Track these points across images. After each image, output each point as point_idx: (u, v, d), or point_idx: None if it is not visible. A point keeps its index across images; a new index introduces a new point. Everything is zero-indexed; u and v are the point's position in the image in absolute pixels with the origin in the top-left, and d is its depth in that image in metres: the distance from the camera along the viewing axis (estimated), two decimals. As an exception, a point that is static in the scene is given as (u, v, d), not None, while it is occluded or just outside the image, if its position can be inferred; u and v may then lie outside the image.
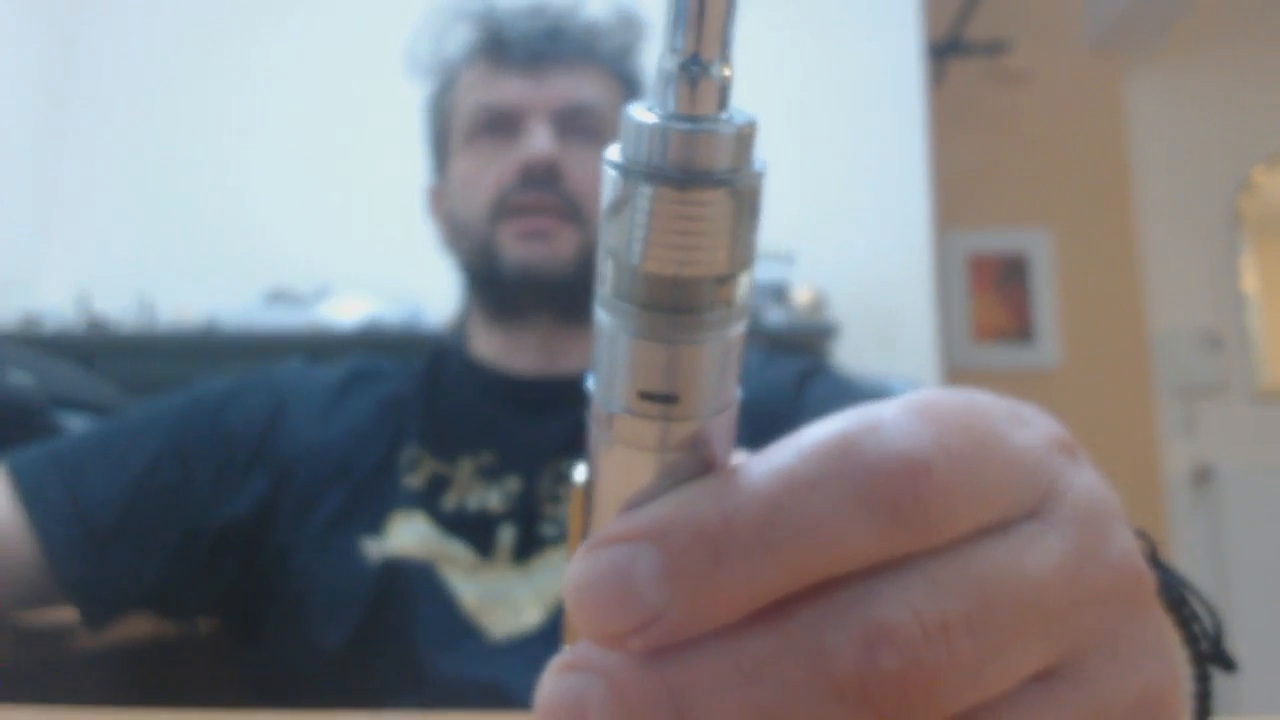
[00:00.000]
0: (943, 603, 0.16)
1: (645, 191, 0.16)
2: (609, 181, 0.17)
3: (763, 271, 2.24)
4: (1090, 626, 0.18)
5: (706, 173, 0.16)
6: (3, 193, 2.47)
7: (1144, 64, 3.46)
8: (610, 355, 0.17)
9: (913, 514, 0.17)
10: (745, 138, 0.16)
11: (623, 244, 0.16)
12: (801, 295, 2.31)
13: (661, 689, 0.16)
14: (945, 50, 3.32)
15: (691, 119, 0.16)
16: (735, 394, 0.18)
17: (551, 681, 0.17)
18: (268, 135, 2.63)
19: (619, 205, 0.16)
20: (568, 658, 0.17)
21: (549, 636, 0.64)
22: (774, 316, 2.21)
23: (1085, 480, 0.20)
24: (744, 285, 0.17)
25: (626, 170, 0.16)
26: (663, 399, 0.17)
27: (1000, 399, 0.20)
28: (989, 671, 0.17)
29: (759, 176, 0.16)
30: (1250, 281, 3.31)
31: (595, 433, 0.18)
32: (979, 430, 0.18)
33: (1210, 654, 0.23)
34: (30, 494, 0.64)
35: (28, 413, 0.84)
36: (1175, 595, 0.23)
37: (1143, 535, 0.23)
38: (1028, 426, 0.20)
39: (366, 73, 2.52)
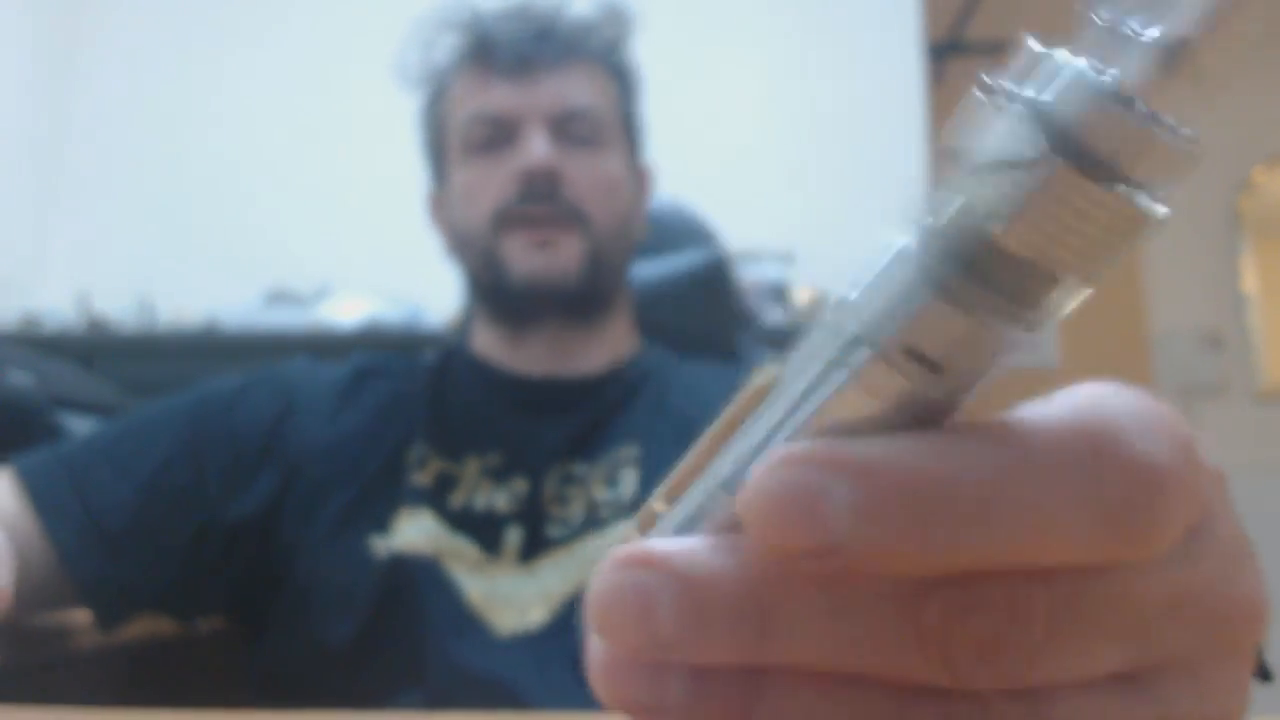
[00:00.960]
0: (1048, 590, 0.16)
1: (1060, 170, 0.14)
2: (1012, 127, 0.15)
3: (763, 271, 2.24)
4: (1178, 646, 0.18)
5: (1128, 178, 0.14)
6: (3, 193, 2.47)
7: (1144, 64, 3.46)
8: (895, 292, 0.16)
9: (1141, 526, 0.16)
10: (1189, 156, 0.14)
11: (992, 203, 0.15)
12: (801, 295, 2.31)
13: (749, 600, 0.16)
14: (945, 50, 3.32)
15: (1145, 112, 0.14)
16: (973, 392, 0.16)
17: (612, 574, 0.16)
18: (268, 135, 2.63)
19: (1014, 164, 0.14)
20: (630, 551, 0.16)
21: (554, 636, 0.64)
22: (774, 316, 2.21)
23: (1231, 520, 0.19)
24: (1065, 302, 0.16)
25: (1048, 133, 0.14)
26: (929, 364, 0.15)
27: (1172, 409, 0.19)
28: (1064, 660, 0.16)
29: (1160, 211, 0.15)
30: (1250, 281, 3.31)
31: (821, 348, 0.17)
32: (1191, 450, 0.17)
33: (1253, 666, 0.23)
34: (41, 498, 0.64)
35: (28, 413, 0.84)
36: None
37: None
38: (1203, 451, 0.19)
39: (366, 73, 2.52)
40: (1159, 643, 0.18)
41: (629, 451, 0.72)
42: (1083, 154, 0.14)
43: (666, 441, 0.71)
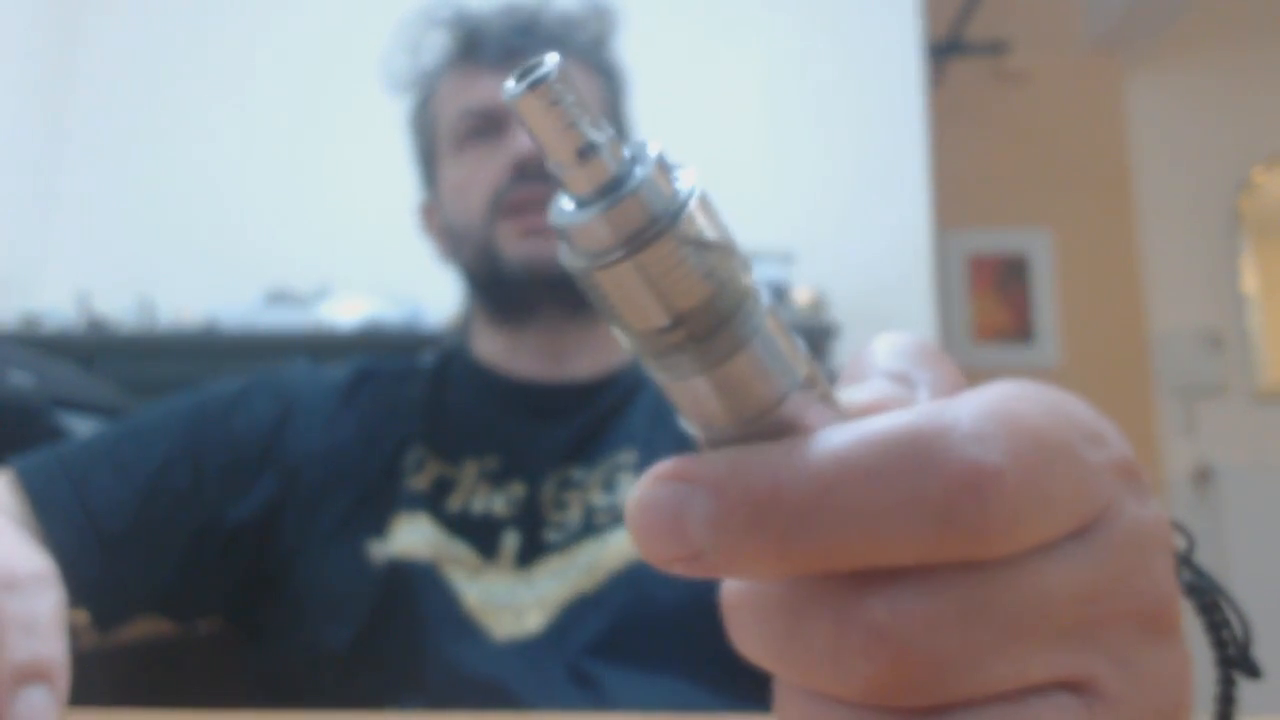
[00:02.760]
0: (936, 601, 0.17)
1: (585, 278, 0.17)
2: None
3: (763, 271, 2.24)
4: (1111, 647, 0.18)
5: (596, 254, 0.17)
6: (3, 193, 2.47)
7: (1144, 64, 3.46)
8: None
9: (973, 524, 0.16)
10: (629, 207, 0.17)
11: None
12: (801, 295, 2.31)
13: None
14: (945, 50, 3.32)
15: (572, 211, 0.17)
16: (785, 383, 0.18)
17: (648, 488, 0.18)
18: (268, 135, 2.63)
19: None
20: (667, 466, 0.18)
21: (550, 640, 0.64)
22: (774, 316, 2.21)
23: (1139, 511, 0.19)
24: (693, 315, 0.17)
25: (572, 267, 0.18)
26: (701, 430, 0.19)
27: (1086, 408, 0.20)
28: (987, 670, 0.17)
29: (655, 228, 0.17)
30: (1250, 281, 3.30)
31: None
32: (1055, 445, 0.18)
33: (1237, 660, 0.23)
34: (40, 499, 0.64)
35: (29, 413, 0.84)
36: (1207, 599, 0.23)
37: (1181, 530, 0.22)
38: (1101, 447, 0.19)
39: (366, 73, 2.52)
40: (1089, 646, 0.18)
41: (627, 457, 0.72)
42: (576, 262, 0.17)
43: (665, 447, 0.70)
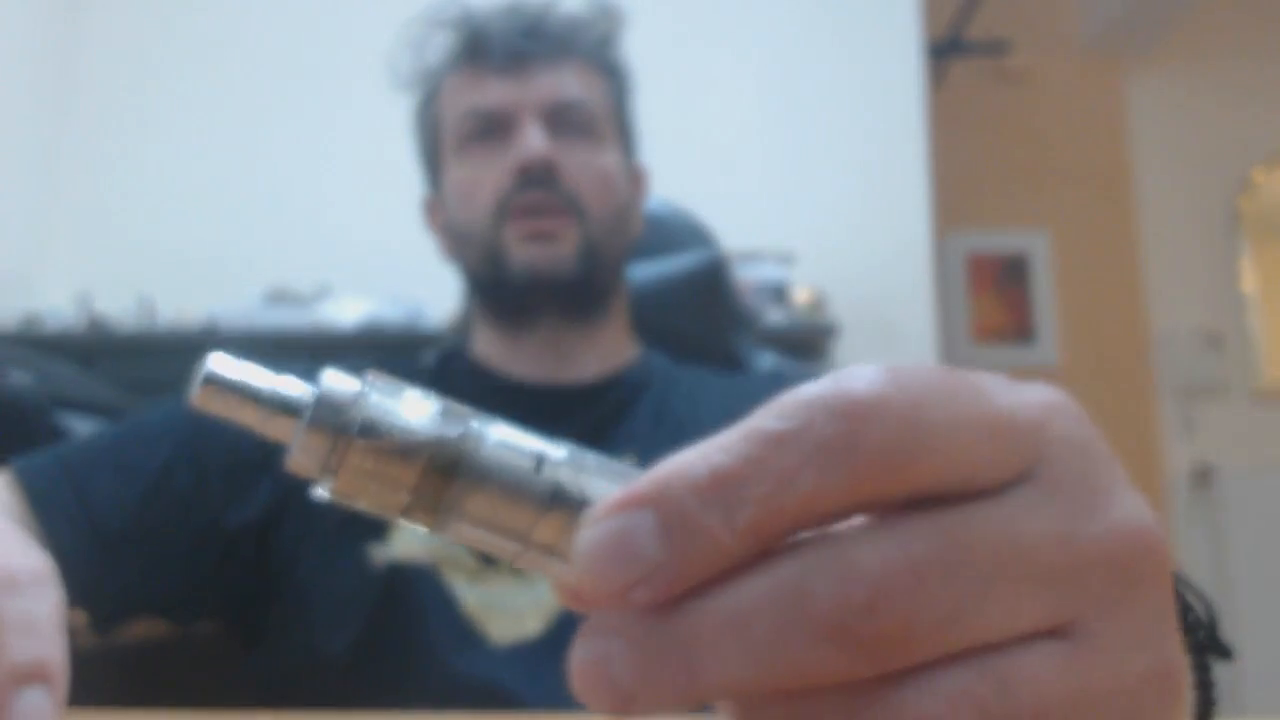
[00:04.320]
0: (912, 549, 0.17)
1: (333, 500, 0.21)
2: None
3: (763, 271, 2.24)
4: (1098, 591, 0.18)
5: (322, 480, 0.20)
6: (3, 193, 2.47)
7: (1144, 64, 3.46)
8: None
9: (870, 452, 0.17)
10: (312, 439, 0.19)
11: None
12: (801, 295, 2.31)
13: (670, 639, 0.17)
14: (945, 50, 3.32)
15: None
16: (540, 490, 0.20)
17: (578, 646, 0.18)
18: (268, 135, 2.63)
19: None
20: (588, 624, 0.19)
21: (550, 644, 0.64)
22: (774, 316, 2.21)
23: (1080, 442, 0.19)
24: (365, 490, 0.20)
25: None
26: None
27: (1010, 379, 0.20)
28: (974, 618, 0.17)
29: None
30: (1250, 281, 3.31)
31: None
32: (954, 384, 0.18)
33: (1207, 643, 0.23)
34: (40, 499, 0.64)
35: (28, 413, 0.84)
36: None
37: None
38: (1018, 391, 0.20)
39: (366, 73, 2.52)
40: (1075, 590, 0.18)
41: (628, 460, 0.72)
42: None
43: (666, 450, 0.70)
